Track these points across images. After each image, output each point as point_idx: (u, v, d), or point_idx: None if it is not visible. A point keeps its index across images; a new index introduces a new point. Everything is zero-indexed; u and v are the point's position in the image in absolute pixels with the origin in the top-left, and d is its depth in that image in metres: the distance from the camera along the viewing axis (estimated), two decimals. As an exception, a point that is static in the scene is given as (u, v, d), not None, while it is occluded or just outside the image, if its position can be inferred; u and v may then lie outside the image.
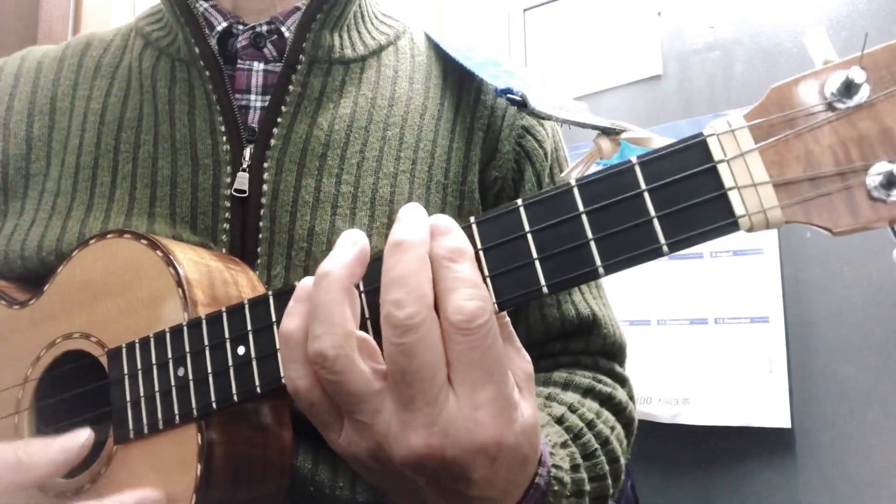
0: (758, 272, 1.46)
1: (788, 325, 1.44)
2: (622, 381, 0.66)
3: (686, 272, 1.54)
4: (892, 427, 1.35)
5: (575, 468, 0.51)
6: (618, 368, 0.66)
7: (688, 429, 1.50)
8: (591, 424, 0.56)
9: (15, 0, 1.43)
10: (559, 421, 0.55)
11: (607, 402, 0.61)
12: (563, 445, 0.52)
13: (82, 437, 0.47)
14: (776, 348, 1.43)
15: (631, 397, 0.65)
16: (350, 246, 0.40)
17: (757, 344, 1.44)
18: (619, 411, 0.61)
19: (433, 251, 0.38)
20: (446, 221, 0.39)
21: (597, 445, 0.55)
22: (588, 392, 0.61)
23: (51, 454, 0.46)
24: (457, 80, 0.66)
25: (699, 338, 1.51)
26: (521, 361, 0.41)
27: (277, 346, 0.44)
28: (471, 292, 0.36)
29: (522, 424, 0.38)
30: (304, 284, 0.40)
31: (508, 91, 0.49)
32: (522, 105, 0.48)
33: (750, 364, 1.44)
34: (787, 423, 1.40)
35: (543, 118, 0.49)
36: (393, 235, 0.38)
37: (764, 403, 1.42)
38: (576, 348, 0.65)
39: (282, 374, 0.42)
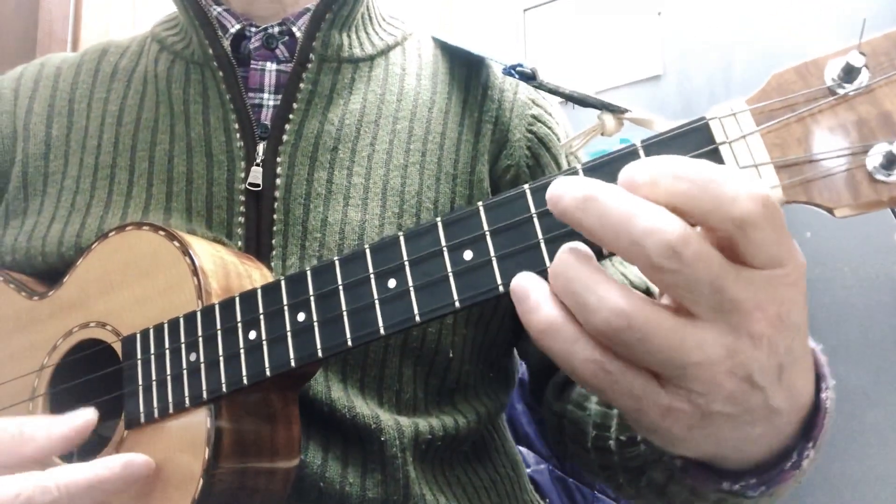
0: (758, 272, 1.47)
1: (788, 324, 1.44)
2: None
3: (686, 272, 1.54)
4: (892, 427, 1.36)
5: None
6: None
7: (688, 428, 1.50)
8: None
9: (15, 0, 1.44)
10: None
11: None
12: None
13: (86, 415, 0.47)
14: (776, 348, 1.43)
15: None
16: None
17: (757, 343, 1.45)
18: None
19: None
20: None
21: None
22: None
23: (53, 429, 0.46)
24: (464, 77, 0.68)
25: (699, 337, 1.51)
26: None
27: (288, 329, 0.45)
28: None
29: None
30: (525, 278, 0.35)
31: (517, 66, 0.50)
32: (531, 77, 0.49)
33: (750, 363, 1.45)
34: (786, 423, 1.40)
35: (551, 91, 0.50)
36: (573, 191, 0.33)
37: (763, 403, 1.42)
38: None
39: (568, 369, 0.35)
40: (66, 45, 1.43)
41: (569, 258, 0.34)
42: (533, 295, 0.34)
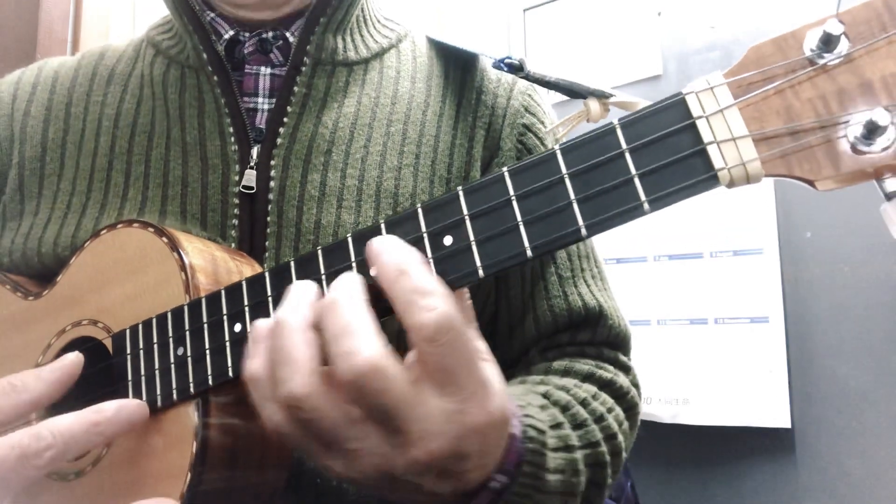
0: (758, 272, 1.46)
1: (788, 325, 1.43)
2: (625, 369, 0.65)
3: (686, 272, 1.53)
4: (892, 427, 1.34)
5: (558, 426, 0.51)
6: (622, 357, 0.66)
7: (688, 429, 1.49)
8: (584, 402, 0.56)
9: (15, 0, 1.44)
10: (545, 395, 0.55)
11: (607, 386, 0.61)
12: (543, 408, 0.53)
13: (71, 357, 0.48)
14: (776, 348, 1.42)
15: (635, 385, 0.65)
16: (301, 296, 0.41)
17: (757, 344, 1.44)
18: (620, 396, 0.61)
19: (380, 272, 0.39)
20: (381, 241, 0.40)
21: (586, 416, 0.55)
22: (587, 378, 0.61)
23: (43, 375, 0.47)
24: (458, 80, 0.68)
25: (699, 338, 1.50)
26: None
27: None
28: (428, 302, 0.36)
29: (498, 390, 0.39)
30: (261, 326, 0.41)
31: (506, 58, 0.50)
32: (519, 69, 0.49)
33: (750, 364, 1.44)
34: (787, 423, 1.39)
35: (537, 81, 0.50)
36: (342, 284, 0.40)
37: (764, 403, 1.41)
38: (582, 339, 0.65)
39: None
40: (66, 45, 1.43)
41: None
42: (256, 343, 0.41)
